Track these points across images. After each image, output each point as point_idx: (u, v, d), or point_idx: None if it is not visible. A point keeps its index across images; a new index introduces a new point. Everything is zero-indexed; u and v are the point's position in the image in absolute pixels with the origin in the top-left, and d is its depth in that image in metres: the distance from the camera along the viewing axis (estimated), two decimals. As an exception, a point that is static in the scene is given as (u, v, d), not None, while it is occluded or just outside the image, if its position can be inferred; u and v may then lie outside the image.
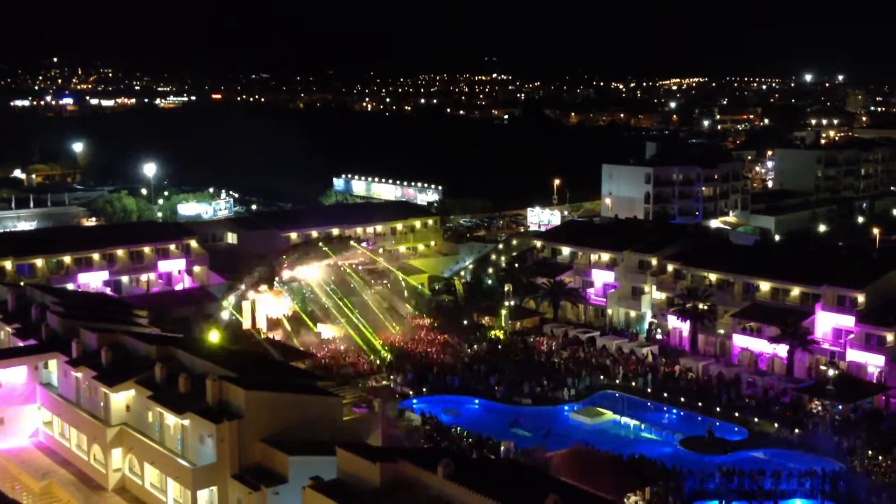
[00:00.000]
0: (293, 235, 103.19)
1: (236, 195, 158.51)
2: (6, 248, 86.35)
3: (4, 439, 54.10)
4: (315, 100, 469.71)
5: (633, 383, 69.83)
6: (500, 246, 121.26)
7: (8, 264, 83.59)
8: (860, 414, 62.42)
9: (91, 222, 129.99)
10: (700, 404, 64.97)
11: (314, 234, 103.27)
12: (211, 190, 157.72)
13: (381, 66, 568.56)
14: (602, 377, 71.07)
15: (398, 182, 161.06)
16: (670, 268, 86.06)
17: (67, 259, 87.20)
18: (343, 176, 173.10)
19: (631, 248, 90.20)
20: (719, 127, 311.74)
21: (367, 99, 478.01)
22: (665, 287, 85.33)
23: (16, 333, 60.02)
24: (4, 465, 51.23)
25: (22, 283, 73.94)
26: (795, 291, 76.18)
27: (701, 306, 79.74)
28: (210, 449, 43.94)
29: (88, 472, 50.29)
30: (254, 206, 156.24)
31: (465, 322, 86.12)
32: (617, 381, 70.32)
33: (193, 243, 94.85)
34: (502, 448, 51.21)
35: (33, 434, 55.44)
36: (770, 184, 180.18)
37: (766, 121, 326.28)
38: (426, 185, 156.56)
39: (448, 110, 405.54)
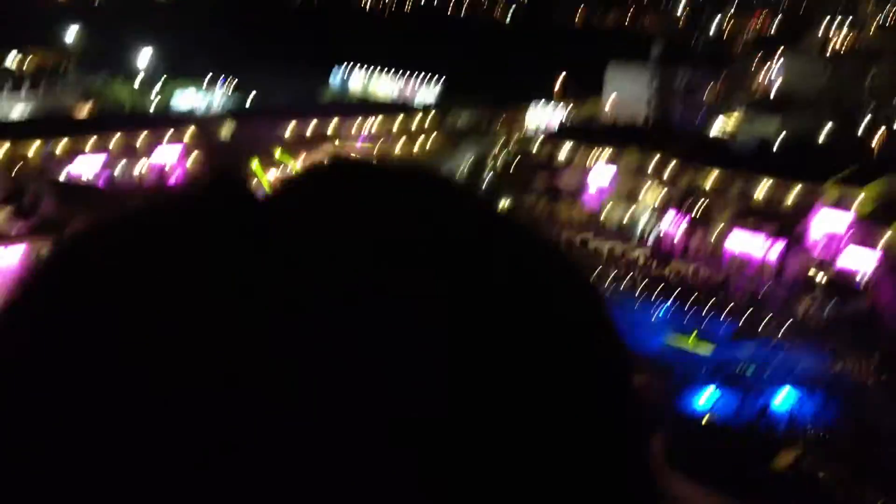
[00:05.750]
0: (288, 130, 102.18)
1: (232, 87, 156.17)
2: (0, 134, 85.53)
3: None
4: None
5: (622, 285, 70.32)
6: (498, 145, 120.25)
7: (1, 151, 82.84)
8: (849, 315, 63.13)
9: (84, 111, 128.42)
10: (689, 304, 65.60)
11: (309, 129, 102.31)
12: (206, 81, 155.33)
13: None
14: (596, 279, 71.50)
15: (397, 74, 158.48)
16: (668, 169, 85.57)
17: (61, 147, 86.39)
18: (340, 68, 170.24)
19: (630, 148, 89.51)
20: (726, 30, 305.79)
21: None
22: (661, 189, 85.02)
23: (11, 218, 60.03)
24: None
25: (16, 170, 73.61)
26: (793, 194, 75.99)
27: (696, 208, 79.69)
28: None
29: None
30: (249, 99, 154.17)
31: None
32: (606, 283, 70.77)
33: (187, 135, 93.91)
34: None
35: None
36: (775, 89, 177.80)
37: (774, 26, 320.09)
38: (426, 79, 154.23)
39: (450, 3, 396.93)
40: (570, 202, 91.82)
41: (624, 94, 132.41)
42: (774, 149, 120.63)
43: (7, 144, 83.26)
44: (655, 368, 53.03)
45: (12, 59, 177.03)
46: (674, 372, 52.52)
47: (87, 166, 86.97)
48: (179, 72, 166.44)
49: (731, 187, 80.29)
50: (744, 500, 33.69)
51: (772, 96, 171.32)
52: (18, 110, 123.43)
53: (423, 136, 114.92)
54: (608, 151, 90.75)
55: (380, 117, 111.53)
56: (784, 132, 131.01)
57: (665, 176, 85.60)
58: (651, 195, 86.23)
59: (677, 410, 49.08)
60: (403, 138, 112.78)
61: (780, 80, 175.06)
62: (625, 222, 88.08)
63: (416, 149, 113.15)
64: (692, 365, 53.76)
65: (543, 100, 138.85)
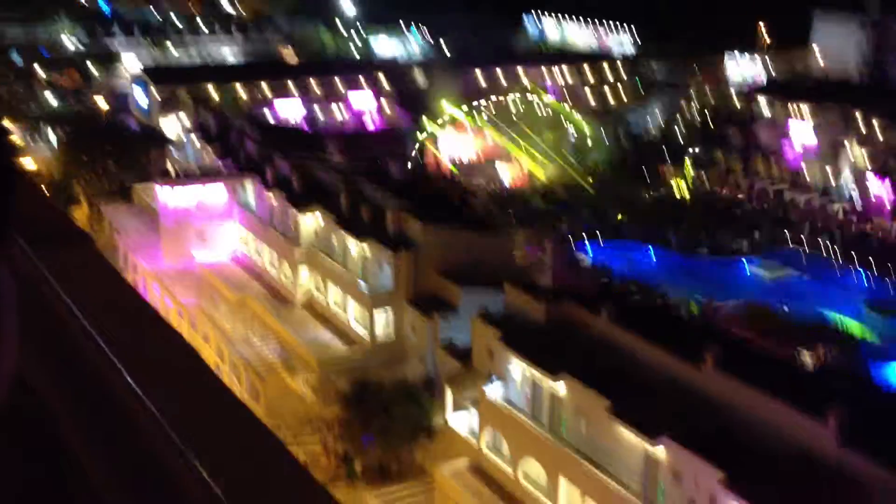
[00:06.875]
0: (480, 77, 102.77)
1: (426, 34, 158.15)
2: (210, 74, 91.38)
3: (207, 254, 59.01)
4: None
5: (819, 240, 66.60)
6: (693, 95, 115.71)
7: (211, 88, 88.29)
8: None
9: (289, 55, 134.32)
10: (890, 267, 61.31)
11: (501, 77, 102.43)
12: (403, 29, 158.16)
13: None
14: (786, 232, 68.22)
15: (591, 22, 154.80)
16: (876, 124, 79.43)
17: (265, 87, 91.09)
18: (533, 14, 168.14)
19: (835, 102, 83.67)
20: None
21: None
22: (868, 145, 79.16)
23: (216, 153, 64.51)
24: (207, 278, 56.31)
25: (223, 110, 78.73)
26: None
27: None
28: (388, 275, 46.50)
29: (278, 287, 54.58)
30: (443, 46, 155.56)
31: (646, 170, 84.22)
32: (802, 237, 67.28)
33: (383, 80, 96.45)
34: (670, 298, 50.99)
35: (231, 250, 60.32)
36: None
37: None
38: (620, 26, 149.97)
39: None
40: (768, 158, 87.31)
41: (832, 47, 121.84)
42: None
43: (212, 86, 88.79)
44: (847, 336, 50.36)
45: (227, 2, 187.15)
46: (868, 341, 49.63)
47: (289, 109, 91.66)
48: (378, 20, 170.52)
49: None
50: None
51: None
52: (229, 52, 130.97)
53: (615, 86, 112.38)
54: (809, 107, 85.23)
55: (571, 66, 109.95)
56: None
57: (871, 134, 79.48)
58: (855, 153, 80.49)
59: (869, 382, 46.46)
60: (595, 87, 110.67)
61: None
62: (826, 179, 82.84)
63: (608, 97, 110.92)
64: (890, 334, 50.46)
65: (741, 51, 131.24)
